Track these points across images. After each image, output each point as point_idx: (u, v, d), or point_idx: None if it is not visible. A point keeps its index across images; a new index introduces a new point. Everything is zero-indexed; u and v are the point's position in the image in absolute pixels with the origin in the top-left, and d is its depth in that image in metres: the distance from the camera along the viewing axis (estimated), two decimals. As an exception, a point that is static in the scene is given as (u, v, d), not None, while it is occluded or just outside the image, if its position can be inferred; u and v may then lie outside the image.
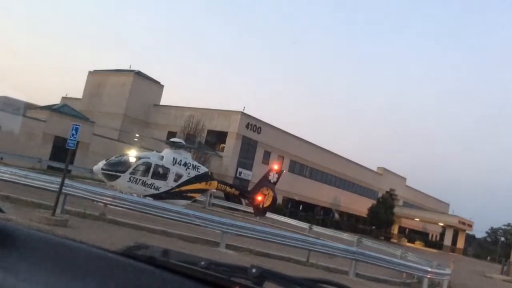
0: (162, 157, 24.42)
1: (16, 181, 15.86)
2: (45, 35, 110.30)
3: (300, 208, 56.77)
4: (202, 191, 27.68)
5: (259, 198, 29.21)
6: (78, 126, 13.17)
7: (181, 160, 24.60)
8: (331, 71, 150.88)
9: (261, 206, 29.53)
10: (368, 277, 16.20)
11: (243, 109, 49.70)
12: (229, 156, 48.47)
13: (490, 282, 30.82)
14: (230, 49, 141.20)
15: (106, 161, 23.48)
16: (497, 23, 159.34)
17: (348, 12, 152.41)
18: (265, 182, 29.99)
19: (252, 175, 48.62)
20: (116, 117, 52.07)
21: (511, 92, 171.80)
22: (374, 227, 65.56)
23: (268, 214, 32.54)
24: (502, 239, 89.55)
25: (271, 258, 15.44)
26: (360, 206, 66.24)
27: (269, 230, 18.19)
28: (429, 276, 17.22)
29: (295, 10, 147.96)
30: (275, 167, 31.16)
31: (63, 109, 42.05)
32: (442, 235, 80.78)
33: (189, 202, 25.43)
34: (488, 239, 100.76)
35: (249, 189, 35.00)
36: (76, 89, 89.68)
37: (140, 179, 23.14)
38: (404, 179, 79.50)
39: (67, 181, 13.99)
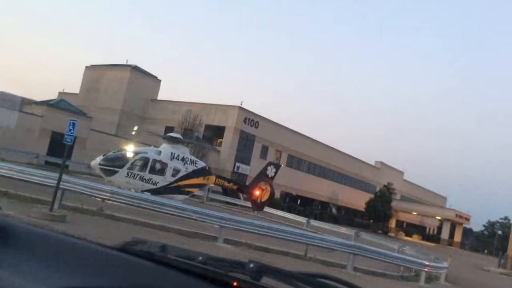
0: (160, 152, 24.40)
1: (14, 176, 15.84)
2: (41, 30, 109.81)
3: (298, 202, 56.87)
4: (200, 186, 27.69)
5: (257, 192, 29.25)
6: (75, 121, 13.14)
7: (178, 155, 24.58)
8: (329, 65, 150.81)
9: (259, 200, 29.58)
10: (366, 270, 16.25)
11: (241, 104, 49.69)
12: (226, 151, 48.44)
13: (487, 275, 30.97)
14: (227, 43, 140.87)
15: (103, 156, 23.44)
16: (497, 21, 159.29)
17: (347, 8, 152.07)
18: (262, 177, 30.02)
19: (250, 170, 48.61)
20: (113, 112, 51.93)
21: (508, 87, 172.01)
22: (371, 221, 65.70)
23: (266, 209, 32.58)
24: (499, 232, 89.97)
25: (269, 252, 15.46)
26: (358, 200, 66.35)
27: (267, 224, 18.24)
28: (426, 270, 17.29)
29: (292, 5, 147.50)
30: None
31: (60, 104, 41.92)
32: (440, 228, 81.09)
33: (187, 197, 25.44)
34: (485, 232, 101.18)
35: (247, 183, 35.03)
36: (73, 84, 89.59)
37: (138, 174, 23.13)
38: (402, 173, 79.64)
39: (64, 177, 13.96)
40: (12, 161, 24.35)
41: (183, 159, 24.73)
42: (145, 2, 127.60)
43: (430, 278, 17.94)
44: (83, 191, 15.40)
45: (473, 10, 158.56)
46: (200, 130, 46.00)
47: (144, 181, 23.23)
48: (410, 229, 79.23)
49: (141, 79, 54.29)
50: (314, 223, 35.47)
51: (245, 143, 50.36)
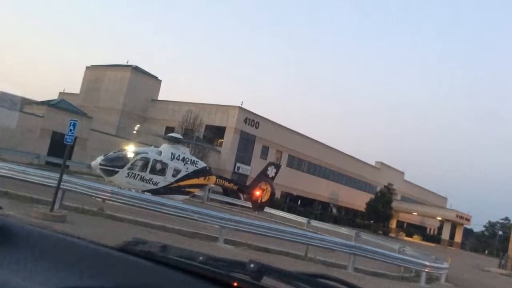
0: (160, 152, 24.40)
1: (14, 176, 15.86)
2: (42, 30, 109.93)
3: (298, 202, 56.84)
4: (200, 186, 27.69)
5: (257, 193, 29.24)
6: (76, 122, 13.14)
7: (179, 155, 24.58)
8: (330, 65, 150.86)
9: (259, 200, 29.57)
10: (366, 271, 16.24)
11: (241, 104, 49.69)
12: (227, 151, 48.44)
13: (488, 276, 30.93)
14: (228, 43, 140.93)
15: (104, 156, 23.44)
16: (497, 21, 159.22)
17: (348, 8, 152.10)
18: (263, 177, 30.01)
19: (250, 170, 48.63)
20: (113, 112, 51.96)
21: (508, 87, 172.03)
22: (372, 221, 65.65)
23: (266, 209, 32.58)
24: (500, 233, 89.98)
25: (269, 252, 15.46)
26: (358, 200, 66.33)
27: (267, 224, 18.24)
28: (427, 270, 17.28)
29: (293, 5, 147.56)
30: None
31: (61, 104, 41.93)
32: (440, 229, 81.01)
33: (187, 197, 25.44)
34: (486, 233, 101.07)
35: (247, 184, 35.02)
36: (73, 84, 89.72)
37: (138, 174, 23.12)
38: (402, 173, 79.59)
39: (65, 177, 13.98)
40: (13, 161, 24.37)
41: (183, 159, 24.73)
42: (145, 2, 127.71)
43: (430, 279, 17.93)
44: (83, 191, 15.40)
45: (473, 10, 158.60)
46: (201, 130, 45.97)
47: (145, 181, 23.23)
48: (411, 229, 79.18)
49: (142, 79, 54.31)
50: (315, 223, 35.44)
51: (246, 143, 50.35)
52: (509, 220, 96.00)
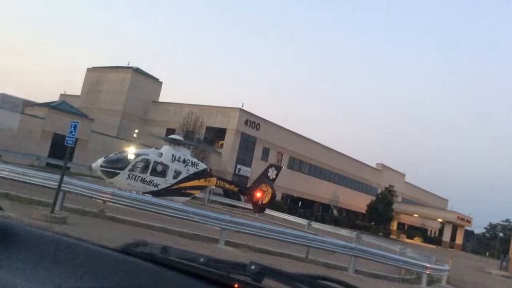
0: (161, 154, 24.39)
1: (15, 178, 15.85)
2: (43, 32, 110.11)
3: (299, 204, 56.81)
4: (201, 188, 27.68)
5: (258, 194, 29.21)
6: (77, 123, 13.14)
7: (180, 157, 24.58)
8: (331, 67, 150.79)
9: (260, 202, 29.54)
10: (367, 273, 16.22)
11: (242, 106, 49.71)
12: (228, 153, 48.45)
13: (489, 278, 30.88)
14: (229, 45, 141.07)
15: (105, 158, 23.44)
16: (497, 21, 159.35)
17: (348, 9, 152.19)
18: (264, 179, 29.99)
19: (251, 172, 48.62)
20: (114, 114, 52.00)
21: (508, 88, 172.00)
22: (373, 223, 65.58)
23: (267, 211, 32.56)
24: (501, 234, 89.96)
25: (270, 254, 15.45)
26: (359, 202, 66.28)
27: (268, 226, 18.20)
28: (428, 272, 17.24)
29: (294, 6, 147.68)
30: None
31: (62, 106, 41.97)
32: (441, 231, 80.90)
33: (188, 198, 25.43)
34: (487, 234, 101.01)
35: (248, 185, 35.01)
36: (74, 86, 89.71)
37: (139, 176, 23.11)
38: (403, 175, 79.52)
39: (66, 178, 13.97)
40: (14, 163, 24.38)
41: (184, 161, 24.73)
42: (146, 4, 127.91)
43: (431, 281, 17.89)
44: (84, 193, 15.38)
45: (472, 10, 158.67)
46: (201, 132, 46.02)
47: (145, 183, 23.22)
48: (412, 231, 79.08)
49: (143, 81, 54.36)
50: (315, 225, 35.41)
51: (246, 145, 50.37)
52: (510, 222, 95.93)
